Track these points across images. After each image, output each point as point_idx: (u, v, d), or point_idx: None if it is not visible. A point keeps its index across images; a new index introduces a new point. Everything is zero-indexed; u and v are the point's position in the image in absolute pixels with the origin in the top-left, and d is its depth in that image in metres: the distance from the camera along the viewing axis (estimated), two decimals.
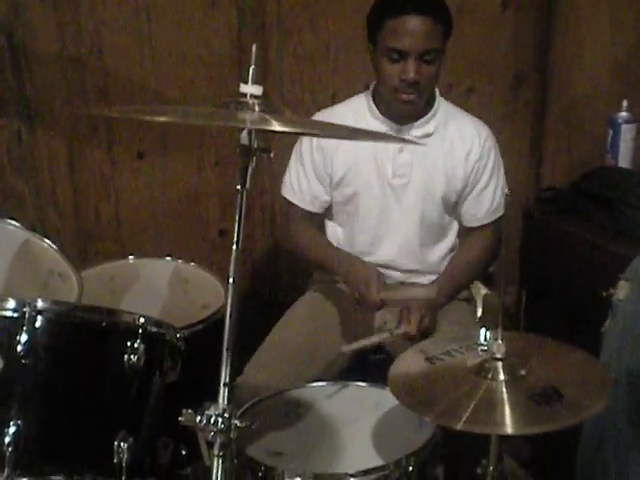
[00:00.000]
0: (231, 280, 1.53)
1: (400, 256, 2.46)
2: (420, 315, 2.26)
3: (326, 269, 2.49)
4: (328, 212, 2.53)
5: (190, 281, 2.56)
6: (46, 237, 2.21)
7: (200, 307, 2.39)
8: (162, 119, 1.51)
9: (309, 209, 2.49)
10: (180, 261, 2.61)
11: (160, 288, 2.56)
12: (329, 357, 2.35)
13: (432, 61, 2.26)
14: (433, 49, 2.24)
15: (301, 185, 2.47)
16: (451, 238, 2.51)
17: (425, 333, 2.26)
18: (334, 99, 2.76)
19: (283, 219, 2.62)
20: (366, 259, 2.45)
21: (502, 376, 1.62)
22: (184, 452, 2.05)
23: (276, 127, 1.47)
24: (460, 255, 2.51)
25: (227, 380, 1.49)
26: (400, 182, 2.40)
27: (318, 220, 2.55)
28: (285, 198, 2.52)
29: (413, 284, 2.49)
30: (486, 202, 2.45)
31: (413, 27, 2.21)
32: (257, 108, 1.51)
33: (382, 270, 2.43)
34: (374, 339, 2.25)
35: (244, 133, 1.52)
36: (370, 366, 2.41)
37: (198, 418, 1.46)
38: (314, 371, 2.29)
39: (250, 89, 1.51)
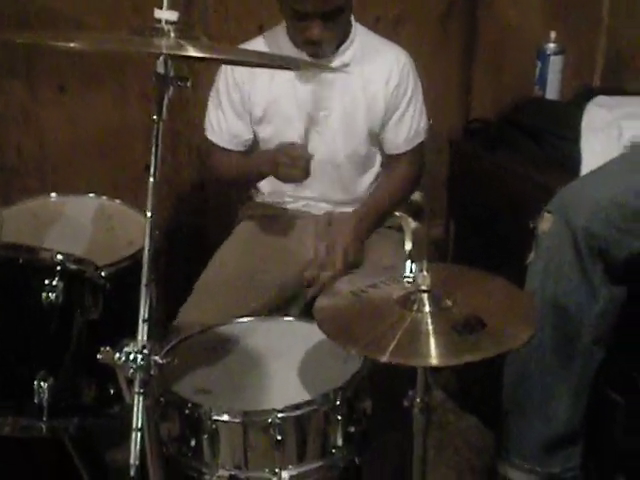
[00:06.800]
0: (149, 214, 1.48)
1: (329, 189, 2.46)
2: (344, 250, 2.25)
3: (252, 176, 2.47)
4: (254, 150, 2.49)
5: (115, 218, 2.50)
6: None
7: (126, 244, 2.34)
8: (72, 45, 1.45)
9: (230, 148, 2.46)
10: (105, 197, 2.55)
11: (85, 225, 2.50)
12: (265, 294, 2.33)
13: (338, 15, 2.23)
14: (337, 7, 2.20)
15: (220, 125, 2.44)
16: (377, 168, 2.50)
17: (352, 266, 2.26)
18: (261, 31, 2.71)
19: (207, 158, 2.59)
20: (296, 194, 2.46)
21: (427, 308, 1.61)
22: (112, 391, 2.02)
23: (192, 53, 1.43)
24: (381, 184, 2.50)
25: (146, 316, 1.46)
26: (321, 115, 2.38)
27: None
28: (207, 138, 2.49)
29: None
30: (405, 128, 2.43)
31: None
32: (172, 34, 1.47)
33: (312, 203, 2.47)
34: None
35: (160, 60, 1.47)
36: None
37: (117, 355, 1.42)
38: (250, 309, 2.26)
39: (164, 14, 1.46)
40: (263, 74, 2.36)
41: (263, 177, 2.43)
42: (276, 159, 2.26)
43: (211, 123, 2.46)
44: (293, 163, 2.22)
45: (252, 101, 2.39)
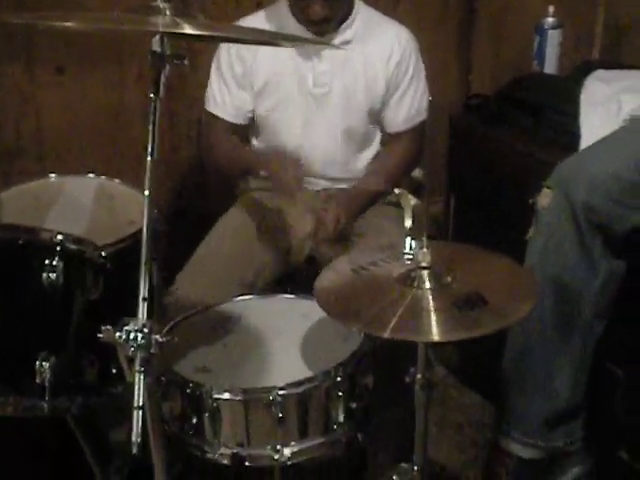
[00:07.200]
0: (147, 192, 1.48)
1: (326, 165, 2.46)
2: (336, 215, 2.27)
3: (248, 171, 2.49)
4: (252, 127, 2.50)
5: (115, 198, 2.50)
6: None
7: (126, 223, 2.34)
8: (69, 24, 1.44)
9: (233, 121, 2.46)
10: (104, 177, 2.54)
11: (85, 206, 2.49)
12: (259, 268, 2.35)
13: None
14: None
15: (223, 97, 2.43)
16: (375, 146, 2.51)
17: (343, 234, 2.29)
18: (259, 8, 2.70)
19: (205, 134, 2.59)
20: None
21: (428, 284, 1.61)
22: (114, 370, 2.03)
23: (188, 30, 1.43)
24: (380, 161, 2.51)
25: (146, 295, 1.45)
26: (321, 91, 2.38)
27: (242, 134, 2.51)
28: (209, 112, 2.47)
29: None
30: (405, 107, 2.44)
31: None
32: (168, 12, 1.46)
33: (310, 179, 2.45)
34: None
35: (156, 39, 1.47)
36: (300, 278, 2.42)
37: (117, 334, 1.42)
38: (245, 282, 2.28)
39: None
40: (266, 47, 2.35)
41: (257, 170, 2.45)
42: (268, 172, 2.32)
43: (214, 96, 2.45)
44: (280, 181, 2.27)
45: (254, 73, 2.39)
